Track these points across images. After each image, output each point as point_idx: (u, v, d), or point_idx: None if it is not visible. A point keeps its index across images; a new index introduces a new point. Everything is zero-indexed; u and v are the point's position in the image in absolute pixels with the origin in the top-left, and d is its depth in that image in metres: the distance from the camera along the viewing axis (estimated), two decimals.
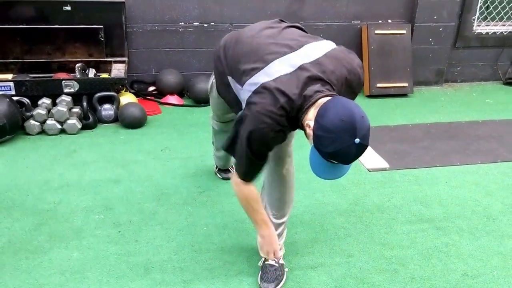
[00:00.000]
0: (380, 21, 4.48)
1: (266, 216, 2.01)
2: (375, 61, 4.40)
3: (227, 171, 2.91)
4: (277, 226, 2.11)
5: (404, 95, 4.50)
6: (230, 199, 2.64)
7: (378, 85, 4.40)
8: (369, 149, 3.36)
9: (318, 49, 1.78)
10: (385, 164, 3.19)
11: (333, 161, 1.63)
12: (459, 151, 3.43)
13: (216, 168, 2.94)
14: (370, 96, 4.42)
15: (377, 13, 4.46)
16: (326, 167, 1.69)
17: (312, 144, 1.65)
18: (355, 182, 2.94)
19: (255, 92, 1.71)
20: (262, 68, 1.73)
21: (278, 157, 2.03)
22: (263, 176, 2.08)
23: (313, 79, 1.69)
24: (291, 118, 1.70)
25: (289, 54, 1.74)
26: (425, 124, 3.90)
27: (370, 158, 3.26)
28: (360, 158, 3.20)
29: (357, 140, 1.54)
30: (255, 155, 1.77)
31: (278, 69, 1.71)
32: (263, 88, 1.69)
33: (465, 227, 2.51)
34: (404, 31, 4.45)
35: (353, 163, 1.66)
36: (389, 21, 4.50)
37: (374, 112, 4.06)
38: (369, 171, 3.11)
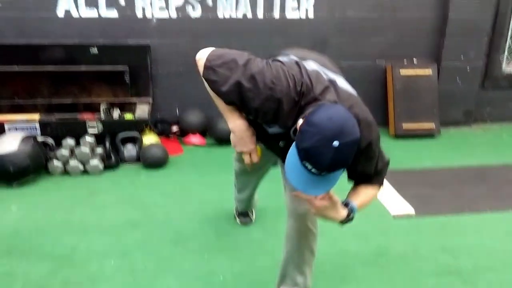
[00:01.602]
0: (405, 61, 4.43)
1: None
2: (400, 101, 4.33)
3: (246, 215, 2.86)
4: None
5: (431, 136, 4.39)
6: (247, 246, 2.57)
7: (404, 126, 4.31)
8: (393, 193, 3.27)
9: (350, 89, 1.78)
10: (411, 210, 3.07)
11: (306, 163, 1.48)
12: (490, 196, 3.29)
13: (236, 212, 2.88)
14: (396, 137, 4.32)
15: (402, 53, 4.42)
16: (298, 171, 1.52)
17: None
18: (379, 229, 2.83)
19: (287, 60, 1.73)
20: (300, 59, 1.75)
21: (297, 214, 1.97)
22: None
23: (335, 94, 1.66)
24: (297, 104, 1.62)
25: (326, 70, 1.75)
26: (453, 167, 3.77)
27: (394, 203, 3.16)
28: (384, 203, 3.12)
29: (335, 143, 1.41)
30: (239, 85, 1.63)
31: (315, 66, 1.71)
32: (296, 63, 1.70)
33: (495, 281, 2.36)
34: (430, 71, 4.38)
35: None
36: (414, 60, 4.45)
37: (399, 154, 3.96)
38: (394, 217, 3.00)
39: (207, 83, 1.74)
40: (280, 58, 1.78)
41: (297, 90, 1.62)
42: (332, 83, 1.70)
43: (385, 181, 3.37)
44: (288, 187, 2.05)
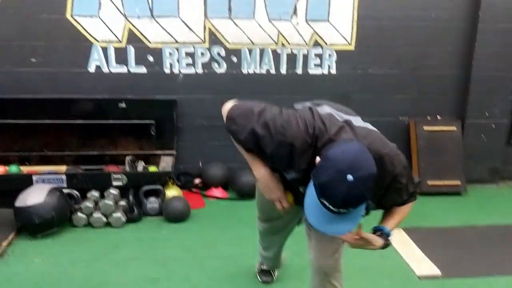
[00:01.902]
0: (428, 117, 4.42)
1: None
2: (425, 158, 4.29)
3: (268, 273, 2.81)
4: None
5: (457, 193, 4.30)
6: None
7: (429, 182, 4.25)
8: (418, 253, 3.19)
9: (368, 124, 1.82)
10: (437, 271, 2.99)
11: (323, 200, 1.48)
12: None
13: (258, 270, 2.84)
14: (420, 194, 4.23)
15: (425, 109, 4.42)
16: (317, 210, 1.52)
17: None
18: None
19: (300, 107, 1.78)
20: (314, 105, 1.80)
21: (322, 272, 1.94)
22: None
23: (351, 133, 1.68)
24: (311, 147, 1.65)
25: (340, 113, 1.78)
26: (480, 227, 3.67)
27: (420, 263, 3.07)
28: (409, 262, 3.04)
29: (349, 177, 1.40)
30: (255, 135, 1.70)
31: (329, 109, 1.75)
32: (309, 109, 1.74)
33: None
34: (454, 128, 4.35)
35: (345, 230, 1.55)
36: (438, 117, 4.44)
37: (424, 212, 3.88)
38: (420, 278, 2.92)
39: (230, 133, 1.83)
40: (295, 105, 1.86)
41: (310, 132, 1.65)
42: (347, 122, 1.72)
43: (410, 240, 3.33)
44: (313, 238, 2.03)
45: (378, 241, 1.73)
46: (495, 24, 4.18)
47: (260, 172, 1.85)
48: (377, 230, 1.77)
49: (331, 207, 1.47)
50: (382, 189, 1.71)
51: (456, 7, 4.20)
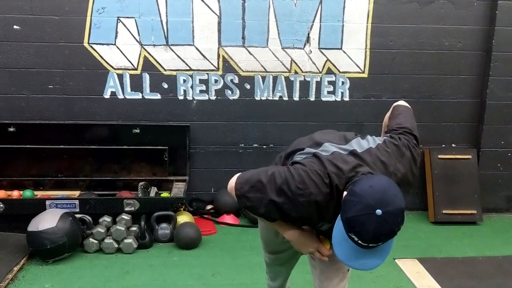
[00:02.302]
0: (443, 146, 4.38)
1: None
2: (440, 186, 4.23)
3: None
4: None
5: (472, 223, 4.22)
6: None
7: (444, 211, 4.18)
8: (434, 284, 3.11)
9: (368, 141, 1.79)
10: None
11: (351, 235, 1.47)
12: None
13: None
14: (436, 223, 4.18)
15: (440, 138, 4.39)
16: (345, 244, 1.51)
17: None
18: None
19: (305, 157, 1.71)
20: (316, 148, 1.76)
21: None
22: None
23: (363, 164, 1.65)
24: (334, 194, 1.61)
25: (342, 144, 1.77)
26: (497, 257, 3.59)
27: None
28: None
29: (378, 212, 1.40)
30: (273, 205, 1.64)
31: (332, 148, 1.72)
32: (314, 156, 1.68)
33: None
34: (469, 156, 4.30)
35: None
36: (453, 145, 4.40)
37: (440, 242, 3.81)
38: None
39: (246, 210, 1.80)
40: (298, 157, 1.78)
41: (326, 182, 1.62)
42: (354, 154, 1.70)
43: (424, 270, 3.26)
44: (318, 267, 2.00)
45: None
46: (509, 52, 4.18)
47: (290, 234, 1.81)
48: None
49: (360, 241, 1.47)
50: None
51: (470, 35, 4.22)
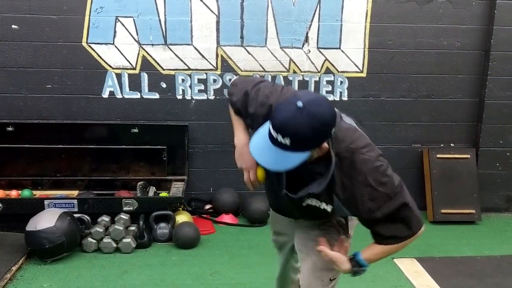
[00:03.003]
0: (442, 145, 4.38)
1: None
2: (438, 186, 4.23)
3: None
4: None
5: (471, 222, 4.22)
6: None
7: (442, 211, 4.18)
8: (432, 284, 3.11)
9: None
10: None
11: (269, 121, 1.51)
12: None
13: None
14: (434, 222, 4.18)
15: (438, 137, 4.39)
16: (262, 136, 1.54)
17: None
18: None
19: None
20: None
21: None
22: None
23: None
24: None
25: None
26: (496, 257, 3.59)
27: None
28: None
29: (299, 103, 1.44)
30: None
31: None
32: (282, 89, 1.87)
33: None
34: (468, 156, 4.30)
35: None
36: (452, 145, 4.40)
37: (438, 241, 3.82)
38: None
39: (228, 96, 1.99)
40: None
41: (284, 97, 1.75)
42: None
43: (423, 269, 3.26)
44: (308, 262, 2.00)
45: (345, 264, 1.71)
46: (508, 51, 4.18)
47: (240, 139, 1.92)
48: (352, 255, 1.75)
49: (271, 128, 1.49)
50: (349, 189, 1.64)
51: (468, 34, 4.22)
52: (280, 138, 1.47)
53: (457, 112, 4.37)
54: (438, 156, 4.28)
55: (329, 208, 1.73)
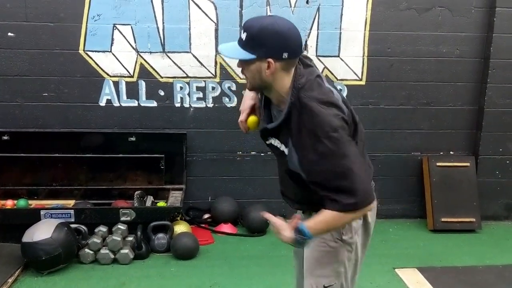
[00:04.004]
0: (441, 153, 4.36)
1: None
2: (438, 194, 4.20)
3: None
4: None
5: (471, 231, 4.19)
6: None
7: (443, 219, 4.14)
8: None
9: None
10: None
11: None
12: None
13: None
14: (434, 231, 4.15)
15: (438, 145, 4.36)
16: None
17: None
18: None
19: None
20: None
21: None
22: None
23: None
24: None
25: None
26: (497, 266, 3.56)
27: None
28: None
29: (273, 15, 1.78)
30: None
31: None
32: None
33: None
34: (468, 164, 4.28)
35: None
36: (451, 153, 4.38)
37: (439, 250, 3.78)
38: None
39: None
40: None
41: None
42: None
43: (424, 280, 3.23)
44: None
45: (287, 231, 1.69)
46: (507, 59, 4.17)
47: (247, 92, 1.96)
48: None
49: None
50: (299, 135, 1.66)
51: (467, 42, 4.21)
52: (241, 33, 1.67)
53: (456, 119, 4.35)
54: (438, 164, 4.26)
55: (286, 151, 1.74)
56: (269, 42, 1.62)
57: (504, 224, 4.44)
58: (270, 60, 1.63)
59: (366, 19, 4.10)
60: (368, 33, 4.12)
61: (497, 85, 4.21)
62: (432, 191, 4.22)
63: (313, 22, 4.04)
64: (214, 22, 3.97)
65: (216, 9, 3.95)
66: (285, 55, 1.63)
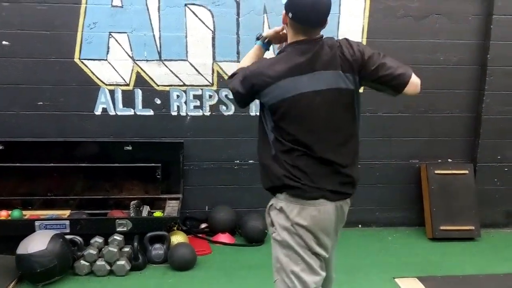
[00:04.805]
0: (439, 161, 4.34)
1: None
2: (437, 202, 4.18)
3: None
4: None
5: (471, 239, 4.16)
6: None
7: (442, 227, 4.11)
8: None
9: None
10: None
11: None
12: None
13: None
14: (433, 239, 4.12)
15: (436, 153, 4.35)
16: None
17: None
18: None
19: None
20: None
21: None
22: None
23: None
24: None
25: None
26: (499, 275, 3.53)
27: None
28: None
29: None
30: None
31: None
32: None
33: None
34: (466, 171, 4.26)
35: None
36: (449, 160, 4.36)
37: (439, 259, 3.75)
38: None
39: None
40: None
41: None
42: None
43: None
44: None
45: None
46: (505, 66, 4.17)
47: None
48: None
49: None
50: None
51: (465, 49, 4.20)
52: None
53: (454, 127, 4.33)
54: (436, 172, 4.23)
55: None
56: None
57: (503, 231, 4.41)
58: (283, 12, 2.00)
59: (363, 27, 4.09)
60: (366, 41, 4.11)
61: (494, 92, 4.20)
62: (430, 199, 4.19)
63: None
64: (211, 30, 3.95)
65: (213, 16, 3.93)
66: (290, 14, 1.95)
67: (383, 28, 4.10)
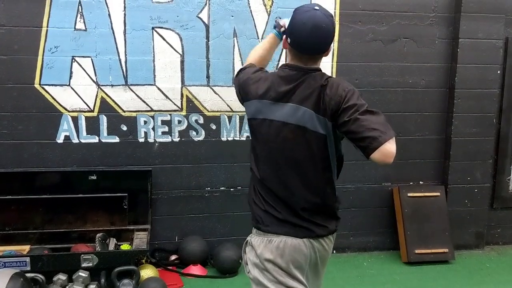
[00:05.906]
0: (411, 183, 4.34)
1: None
2: (411, 225, 4.15)
3: None
4: None
5: (445, 261, 4.14)
6: None
7: (416, 251, 4.08)
8: None
9: None
10: None
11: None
12: None
13: None
14: (409, 263, 4.07)
15: (408, 175, 4.34)
16: None
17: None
18: None
19: None
20: None
21: None
22: None
23: None
24: None
25: None
26: None
27: None
28: None
29: (316, 7, 1.86)
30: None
31: None
32: None
33: None
34: (438, 193, 4.27)
35: None
36: (421, 182, 4.36)
37: (415, 284, 3.71)
38: None
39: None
40: None
41: None
42: None
43: None
44: None
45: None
46: (472, 89, 4.23)
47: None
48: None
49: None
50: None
51: (432, 72, 4.25)
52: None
53: (425, 149, 4.35)
54: (409, 194, 4.22)
55: None
56: (290, 22, 1.91)
57: (475, 253, 4.41)
58: (284, 36, 2.00)
59: (333, 51, 4.07)
60: (336, 64, 4.10)
61: (463, 114, 4.25)
62: (404, 222, 4.16)
63: (281, 53, 3.96)
64: (179, 53, 3.84)
65: (181, 40, 3.82)
66: (289, 40, 1.92)
67: (353, 52, 4.11)
